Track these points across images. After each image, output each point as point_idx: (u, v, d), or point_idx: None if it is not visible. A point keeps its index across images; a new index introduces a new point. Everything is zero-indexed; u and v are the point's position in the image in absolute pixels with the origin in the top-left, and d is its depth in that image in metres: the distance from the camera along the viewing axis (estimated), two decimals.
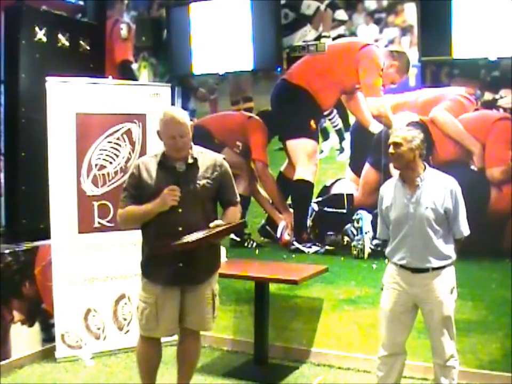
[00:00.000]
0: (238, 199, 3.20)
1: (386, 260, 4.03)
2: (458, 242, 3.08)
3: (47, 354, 4.24)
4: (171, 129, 2.93)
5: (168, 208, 2.92)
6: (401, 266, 3.04)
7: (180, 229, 2.91)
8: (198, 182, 3.00)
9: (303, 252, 4.33)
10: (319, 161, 4.30)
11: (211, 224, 2.91)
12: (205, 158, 3.07)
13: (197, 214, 2.97)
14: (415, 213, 2.98)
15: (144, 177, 3.01)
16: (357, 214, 4.14)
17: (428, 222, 2.97)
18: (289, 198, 4.42)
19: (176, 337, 3.31)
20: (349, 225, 4.17)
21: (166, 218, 2.94)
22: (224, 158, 3.15)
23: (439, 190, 3.00)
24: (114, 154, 4.31)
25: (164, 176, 3.00)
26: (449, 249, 3.03)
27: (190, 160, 3.01)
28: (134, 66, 5.02)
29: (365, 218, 4.10)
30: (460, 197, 3.03)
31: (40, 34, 4.36)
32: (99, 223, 4.25)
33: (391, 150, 3.01)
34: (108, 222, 4.24)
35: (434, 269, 2.98)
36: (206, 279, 3.09)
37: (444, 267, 3.00)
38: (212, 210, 3.09)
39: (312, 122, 4.29)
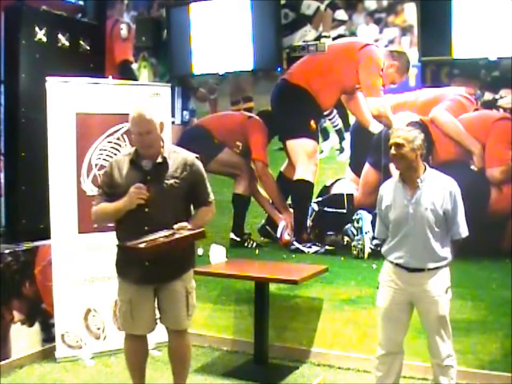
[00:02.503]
0: (211, 199, 3.18)
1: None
2: (456, 242, 3.07)
3: (47, 354, 4.24)
4: (138, 126, 2.97)
5: (136, 207, 2.94)
6: (397, 264, 3.05)
7: (146, 228, 2.93)
8: (165, 181, 3.01)
9: (303, 252, 4.33)
10: (319, 161, 4.30)
11: (175, 226, 2.92)
12: (177, 157, 3.09)
13: (166, 214, 2.96)
14: (415, 213, 2.98)
15: (115, 176, 3.05)
16: (357, 214, 4.14)
17: (428, 223, 2.97)
18: (289, 198, 4.42)
19: None
20: (349, 225, 4.17)
21: (133, 217, 2.97)
22: (197, 157, 3.15)
23: (438, 191, 2.99)
24: (114, 154, 4.29)
25: (133, 175, 3.03)
26: (446, 251, 3.03)
27: (159, 160, 3.03)
28: (134, 66, 5.02)
29: (365, 218, 4.10)
30: (459, 198, 3.03)
31: (40, 34, 4.36)
32: None
33: (392, 151, 3.00)
34: None
35: (430, 269, 2.99)
36: (177, 277, 3.10)
37: (439, 268, 3.01)
38: (182, 210, 3.07)
39: (312, 122, 4.29)
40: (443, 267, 3.02)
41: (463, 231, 3.04)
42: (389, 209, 3.09)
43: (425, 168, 3.05)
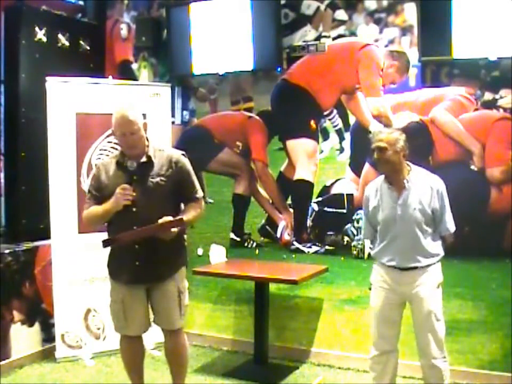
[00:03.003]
0: (199, 194, 3.18)
1: None
2: (446, 238, 3.07)
3: (47, 354, 4.24)
4: (121, 126, 2.98)
5: (123, 208, 2.96)
6: (389, 266, 3.04)
7: (135, 227, 2.95)
8: (151, 180, 3.03)
9: (303, 252, 4.33)
10: (319, 161, 4.30)
11: (159, 221, 2.92)
12: (162, 155, 3.10)
13: (153, 213, 2.95)
14: (403, 214, 2.98)
15: (103, 178, 3.07)
16: (357, 214, 4.13)
17: (417, 223, 2.96)
18: (289, 198, 4.42)
19: None
20: (349, 225, 4.17)
21: (122, 218, 2.99)
22: (183, 154, 3.17)
23: (425, 191, 2.99)
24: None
25: (120, 176, 3.05)
26: (437, 247, 3.03)
27: (144, 159, 3.04)
28: (134, 66, 5.03)
29: None
30: (446, 196, 3.03)
31: (40, 34, 4.36)
32: None
33: (376, 155, 2.99)
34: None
35: (422, 266, 2.99)
36: (168, 276, 3.11)
37: (431, 264, 3.00)
38: (170, 208, 3.06)
39: (312, 122, 4.29)
40: (435, 263, 3.02)
41: (451, 226, 3.05)
42: (376, 210, 3.09)
43: (410, 168, 3.04)
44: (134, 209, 2.97)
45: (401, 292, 3.03)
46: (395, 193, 3.02)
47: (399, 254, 3.00)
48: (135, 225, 2.95)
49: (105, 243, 3.02)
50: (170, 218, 2.94)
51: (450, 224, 3.04)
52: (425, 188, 3.00)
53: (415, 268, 2.99)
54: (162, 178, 3.04)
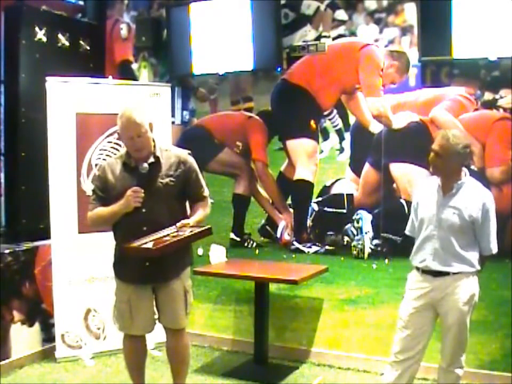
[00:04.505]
0: (206, 193, 3.19)
1: (386, 260, 4.05)
2: (484, 258, 3.01)
3: (47, 354, 4.24)
4: (128, 130, 2.95)
5: (133, 209, 2.95)
6: (423, 271, 2.99)
7: (145, 228, 2.94)
8: (160, 180, 3.02)
9: (303, 252, 4.33)
10: (319, 161, 4.30)
11: (178, 224, 2.93)
12: (169, 155, 3.09)
13: (162, 213, 2.98)
14: (440, 216, 2.94)
15: (110, 179, 3.05)
16: (357, 214, 4.13)
17: (451, 228, 2.91)
18: (289, 198, 4.42)
19: None
20: (349, 225, 4.17)
21: (131, 219, 2.98)
22: (189, 153, 3.17)
23: (470, 200, 2.92)
24: (114, 154, 4.30)
25: (127, 177, 3.03)
26: (473, 257, 2.95)
27: (151, 160, 3.03)
28: (134, 66, 5.02)
29: (365, 218, 4.10)
30: (492, 213, 2.96)
31: (40, 34, 4.36)
32: None
33: (430, 157, 2.94)
34: None
35: (455, 273, 2.92)
36: (175, 276, 3.11)
37: (465, 273, 2.93)
38: (179, 208, 3.09)
39: (312, 122, 4.29)
40: (469, 274, 2.94)
41: (494, 247, 2.98)
42: (418, 205, 3.07)
43: (464, 176, 2.98)
44: (144, 210, 2.96)
45: (432, 297, 2.97)
46: (441, 193, 2.98)
47: (431, 255, 2.95)
48: (145, 226, 2.94)
49: (130, 250, 2.93)
50: (189, 221, 2.97)
51: (493, 245, 2.98)
52: (471, 197, 2.93)
53: (447, 273, 2.93)
54: (171, 178, 3.03)
